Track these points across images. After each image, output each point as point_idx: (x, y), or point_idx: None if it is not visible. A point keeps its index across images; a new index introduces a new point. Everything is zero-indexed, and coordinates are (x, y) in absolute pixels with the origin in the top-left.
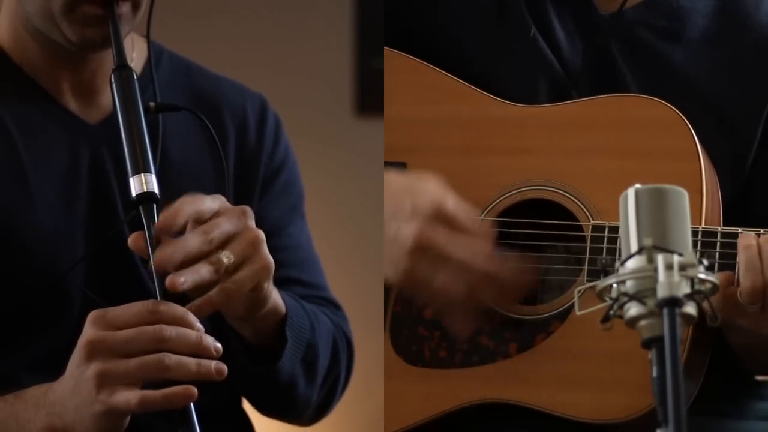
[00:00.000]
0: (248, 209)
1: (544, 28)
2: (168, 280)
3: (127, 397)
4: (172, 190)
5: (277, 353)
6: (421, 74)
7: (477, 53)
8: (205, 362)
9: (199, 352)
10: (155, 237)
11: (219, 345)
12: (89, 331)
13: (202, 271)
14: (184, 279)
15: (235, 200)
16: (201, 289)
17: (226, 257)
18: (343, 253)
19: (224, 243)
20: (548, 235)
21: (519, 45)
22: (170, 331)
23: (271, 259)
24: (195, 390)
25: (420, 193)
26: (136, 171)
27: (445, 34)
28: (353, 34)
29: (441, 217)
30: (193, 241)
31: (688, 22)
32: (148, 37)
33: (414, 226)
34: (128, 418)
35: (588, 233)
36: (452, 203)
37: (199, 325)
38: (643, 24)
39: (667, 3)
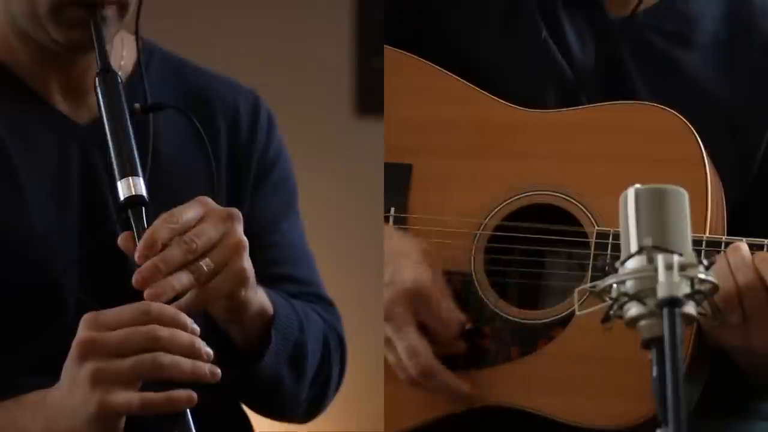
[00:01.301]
0: (236, 212)
1: (555, 31)
2: (147, 294)
3: (128, 397)
4: (163, 189)
5: (262, 353)
6: (428, 75)
7: (487, 55)
8: (199, 363)
9: (191, 353)
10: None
11: (210, 351)
12: (81, 332)
13: (183, 280)
14: (164, 290)
15: (228, 196)
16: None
17: (206, 265)
18: (342, 252)
19: (207, 250)
20: (551, 240)
21: (529, 47)
22: (163, 331)
23: (249, 266)
24: (195, 395)
25: (400, 264)
26: (123, 174)
27: (455, 35)
28: (353, 34)
29: (410, 297)
30: (175, 256)
31: (698, 28)
32: (137, 35)
33: (386, 297)
34: (123, 422)
35: (592, 239)
36: (425, 284)
37: (193, 325)
38: (653, 28)
39: (677, 8)
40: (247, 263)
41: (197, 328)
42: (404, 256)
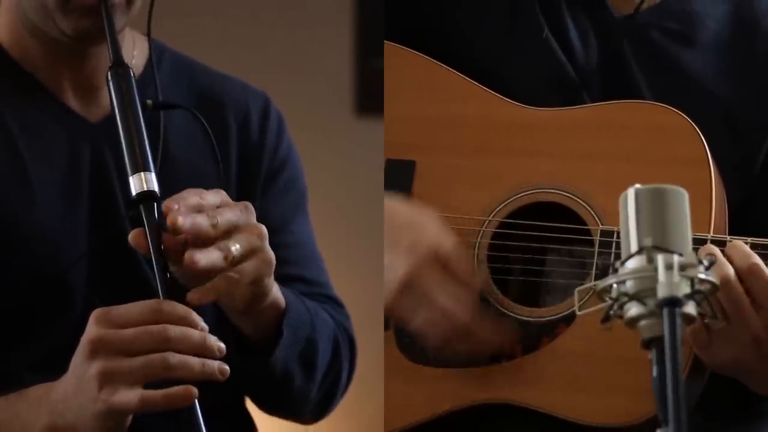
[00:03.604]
0: (250, 205)
1: (558, 29)
2: (187, 256)
3: (128, 396)
4: (173, 188)
5: (273, 348)
6: (431, 72)
7: (489, 52)
8: (208, 362)
9: (202, 352)
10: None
11: (222, 345)
12: (92, 329)
13: (214, 256)
14: (200, 258)
15: (238, 197)
16: (205, 278)
17: (234, 247)
18: (343, 252)
19: (228, 232)
20: (554, 238)
21: (531, 45)
22: (174, 330)
23: (273, 254)
24: (195, 390)
25: (421, 230)
26: (136, 170)
27: (457, 32)
28: (353, 34)
29: (436, 260)
30: (199, 218)
31: (701, 27)
32: (149, 35)
33: (407, 263)
34: (130, 418)
35: (596, 237)
36: (450, 247)
37: (203, 324)
38: (656, 27)
39: (680, 6)
40: (271, 251)
41: (206, 327)
42: (427, 221)
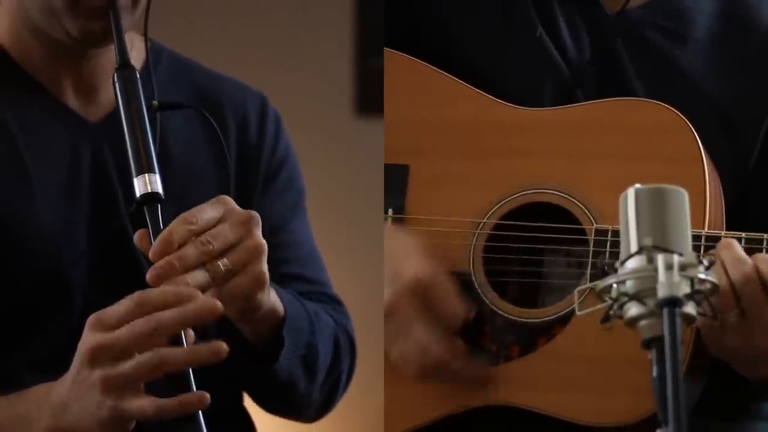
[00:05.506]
0: (255, 215)
1: (550, 27)
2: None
3: (142, 404)
4: (174, 189)
5: (275, 354)
6: (423, 76)
7: (481, 52)
8: (195, 348)
9: (203, 314)
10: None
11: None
12: (88, 336)
13: (198, 277)
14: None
15: (237, 198)
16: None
17: (223, 265)
18: (342, 252)
19: (222, 252)
20: (550, 238)
21: (524, 44)
22: (164, 314)
23: (266, 270)
24: (207, 396)
25: (402, 261)
26: (140, 171)
27: (450, 32)
28: (353, 34)
29: (415, 291)
30: (190, 254)
31: (693, 23)
32: (145, 35)
33: (388, 293)
34: (134, 424)
35: (591, 237)
36: (429, 278)
37: (189, 290)
38: (649, 24)
39: (672, 3)
40: (265, 267)
41: (197, 293)
42: (405, 254)
